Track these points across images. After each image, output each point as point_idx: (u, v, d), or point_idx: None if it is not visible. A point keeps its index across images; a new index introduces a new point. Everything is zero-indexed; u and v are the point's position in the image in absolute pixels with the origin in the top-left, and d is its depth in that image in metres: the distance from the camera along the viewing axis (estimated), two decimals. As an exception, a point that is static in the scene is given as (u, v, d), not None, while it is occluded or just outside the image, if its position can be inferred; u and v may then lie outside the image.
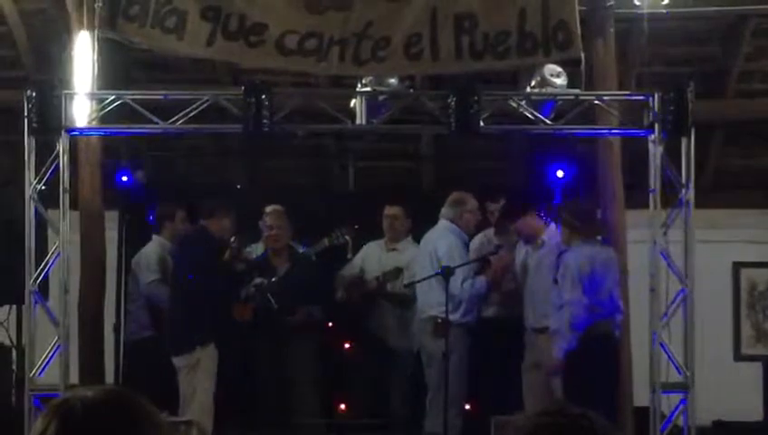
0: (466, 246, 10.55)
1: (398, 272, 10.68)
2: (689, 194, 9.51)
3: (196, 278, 9.95)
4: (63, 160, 9.43)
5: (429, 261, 10.37)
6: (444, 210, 10.61)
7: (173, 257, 10.53)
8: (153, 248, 10.81)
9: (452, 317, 10.05)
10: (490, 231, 10.71)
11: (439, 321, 10.17)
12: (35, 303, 9.47)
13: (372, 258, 10.93)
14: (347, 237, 10.93)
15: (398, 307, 10.77)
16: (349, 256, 11.05)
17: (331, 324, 10.99)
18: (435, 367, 10.24)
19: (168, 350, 10.00)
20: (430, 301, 10.34)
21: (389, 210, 10.92)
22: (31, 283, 9.43)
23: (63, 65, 10.28)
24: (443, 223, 10.57)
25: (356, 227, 11.00)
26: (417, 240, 10.76)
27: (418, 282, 10.34)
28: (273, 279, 10.42)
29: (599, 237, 9.94)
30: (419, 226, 10.83)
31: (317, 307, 10.60)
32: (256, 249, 10.81)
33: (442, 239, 10.44)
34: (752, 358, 12.78)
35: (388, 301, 10.79)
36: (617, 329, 9.68)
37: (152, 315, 10.67)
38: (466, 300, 10.24)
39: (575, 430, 2.13)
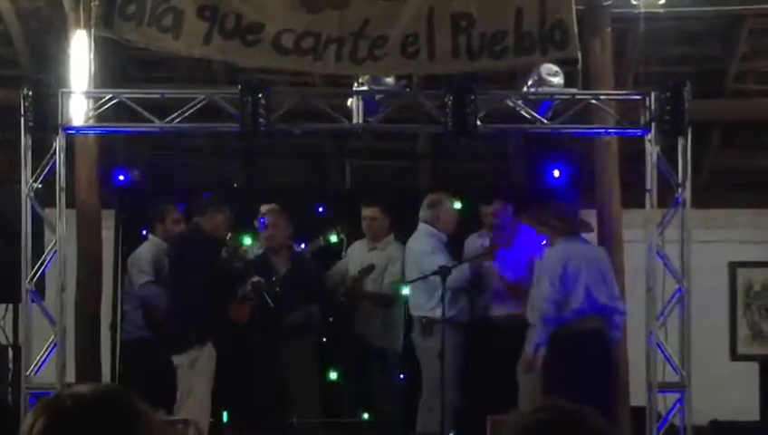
0: (446, 245, 10.57)
1: (369, 269, 10.70)
2: (686, 193, 9.51)
3: (192, 277, 9.94)
4: (60, 159, 9.41)
5: (415, 265, 10.43)
6: (421, 213, 10.66)
7: (169, 256, 10.52)
8: (147, 249, 10.80)
9: (433, 315, 10.16)
10: (484, 231, 10.76)
11: (424, 321, 10.35)
12: (32, 301, 9.46)
13: (355, 258, 10.94)
14: (342, 236, 10.94)
15: (378, 307, 10.78)
16: (344, 254, 11.07)
17: (328, 325, 11.00)
18: (426, 366, 10.29)
19: (166, 348, 9.99)
20: (416, 302, 10.48)
21: (366, 211, 10.90)
22: (27, 281, 9.42)
23: (60, 64, 10.27)
24: (421, 226, 10.64)
25: (353, 229, 11.02)
26: (407, 239, 10.74)
27: (413, 281, 10.35)
28: (274, 278, 10.41)
29: (581, 235, 9.96)
30: (412, 225, 10.80)
31: (316, 307, 10.59)
32: (253, 247, 10.80)
33: (418, 243, 10.51)
34: (748, 358, 12.78)
35: (368, 301, 10.80)
36: (613, 328, 9.68)
37: (146, 316, 10.66)
38: (451, 291, 10.18)
39: (570, 426, 2.14)
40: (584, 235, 10.11)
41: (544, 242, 9.91)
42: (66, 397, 2.29)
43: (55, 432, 2.24)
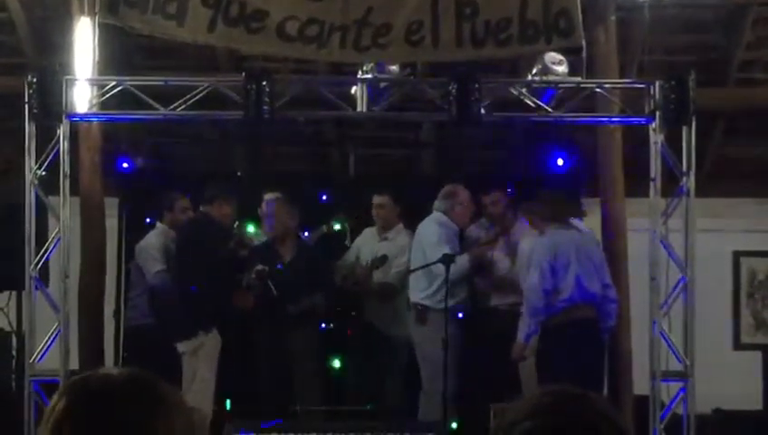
0: (457, 237, 10.56)
1: (383, 259, 10.70)
2: (690, 182, 9.50)
3: (198, 264, 9.94)
4: (64, 146, 9.42)
5: (421, 251, 10.41)
6: (436, 203, 10.64)
7: (176, 243, 10.52)
8: (156, 237, 10.76)
9: (429, 302, 10.22)
10: (484, 220, 10.77)
11: (419, 308, 10.35)
12: (35, 288, 9.47)
13: (366, 247, 10.95)
14: (345, 225, 10.93)
15: (382, 298, 10.79)
16: (347, 243, 11.07)
17: (333, 313, 11.01)
18: (421, 355, 10.33)
19: (170, 335, 9.99)
20: (414, 288, 10.49)
21: (376, 199, 10.92)
22: (31, 268, 9.43)
23: (64, 51, 10.27)
24: (433, 214, 10.61)
25: (356, 217, 11.02)
26: (415, 228, 10.75)
27: (418, 269, 10.35)
28: (279, 266, 10.41)
29: (573, 221, 9.95)
30: (418, 213, 10.81)
31: (320, 296, 10.59)
32: (257, 235, 10.81)
33: (427, 229, 10.49)
34: (751, 347, 12.79)
35: (373, 295, 10.81)
36: (605, 316, 9.66)
37: (156, 303, 10.64)
38: (450, 282, 10.18)
39: (575, 410, 2.13)
40: (579, 221, 10.12)
41: (534, 230, 9.93)
42: (92, 379, 2.26)
43: (78, 413, 2.22)
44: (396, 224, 10.94)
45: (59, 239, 9.48)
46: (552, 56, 9.60)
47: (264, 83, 9.25)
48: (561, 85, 9.65)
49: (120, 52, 11.19)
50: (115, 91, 9.59)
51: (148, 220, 11.15)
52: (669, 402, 9.56)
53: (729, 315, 13.17)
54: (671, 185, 9.56)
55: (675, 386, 9.56)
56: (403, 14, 9.37)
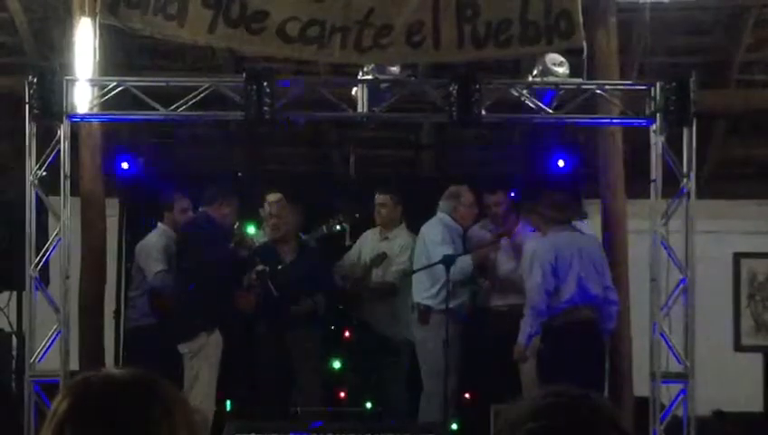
0: (461, 238, 10.56)
1: (382, 257, 10.71)
2: (690, 184, 9.50)
3: (199, 264, 9.94)
4: (64, 147, 9.41)
5: (424, 252, 10.42)
6: (441, 204, 10.68)
7: (177, 244, 10.52)
8: (157, 238, 10.77)
9: (432, 303, 10.22)
10: (486, 221, 10.77)
11: (421, 308, 10.37)
12: (36, 289, 9.46)
13: (367, 247, 10.97)
14: (345, 225, 10.94)
15: (383, 298, 10.79)
16: (347, 243, 11.07)
17: (333, 314, 11.02)
18: (421, 355, 10.33)
19: (172, 336, 9.98)
20: (417, 288, 10.52)
21: (378, 198, 10.95)
22: (31, 269, 9.42)
23: (65, 51, 10.27)
24: (438, 215, 10.63)
25: (356, 215, 11.03)
26: (417, 229, 10.76)
27: (420, 270, 10.36)
28: (280, 267, 10.42)
29: (574, 223, 9.95)
30: (419, 214, 10.83)
31: (321, 296, 10.60)
32: (258, 236, 10.81)
33: (431, 230, 10.50)
34: (752, 348, 12.78)
35: (372, 295, 10.82)
36: (606, 318, 9.65)
37: (157, 304, 10.63)
38: (452, 283, 10.19)
39: (577, 410, 2.13)
40: (581, 222, 10.12)
41: (535, 231, 9.94)
42: (94, 379, 2.25)
43: (80, 414, 2.21)
44: (398, 223, 10.96)
45: (59, 239, 9.48)
46: (552, 57, 9.60)
47: (265, 84, 9.25)
48: (561, 86, 9.64)
49: (121, 52, 11.21)
50: (116, 91, 9.58)
51: (148, 221, 11.14)
52: (669, 404, 9.56)
53: (729, 317, 13.17)
54: (672, 186, 9.56)
55: (675, 387, 9.56)
56: (404, 15, 9.37)
